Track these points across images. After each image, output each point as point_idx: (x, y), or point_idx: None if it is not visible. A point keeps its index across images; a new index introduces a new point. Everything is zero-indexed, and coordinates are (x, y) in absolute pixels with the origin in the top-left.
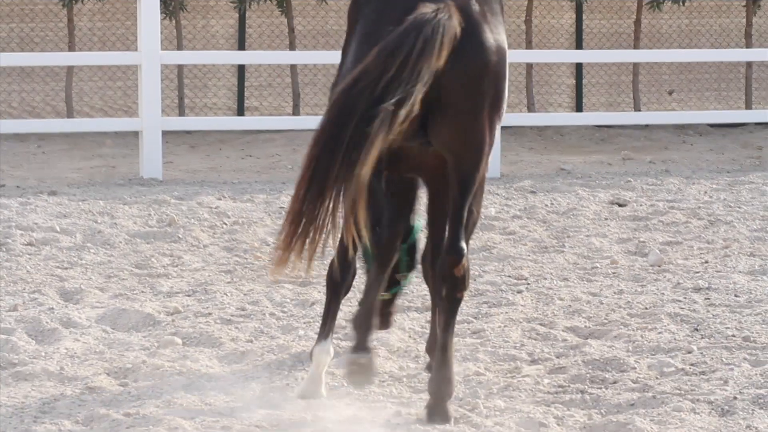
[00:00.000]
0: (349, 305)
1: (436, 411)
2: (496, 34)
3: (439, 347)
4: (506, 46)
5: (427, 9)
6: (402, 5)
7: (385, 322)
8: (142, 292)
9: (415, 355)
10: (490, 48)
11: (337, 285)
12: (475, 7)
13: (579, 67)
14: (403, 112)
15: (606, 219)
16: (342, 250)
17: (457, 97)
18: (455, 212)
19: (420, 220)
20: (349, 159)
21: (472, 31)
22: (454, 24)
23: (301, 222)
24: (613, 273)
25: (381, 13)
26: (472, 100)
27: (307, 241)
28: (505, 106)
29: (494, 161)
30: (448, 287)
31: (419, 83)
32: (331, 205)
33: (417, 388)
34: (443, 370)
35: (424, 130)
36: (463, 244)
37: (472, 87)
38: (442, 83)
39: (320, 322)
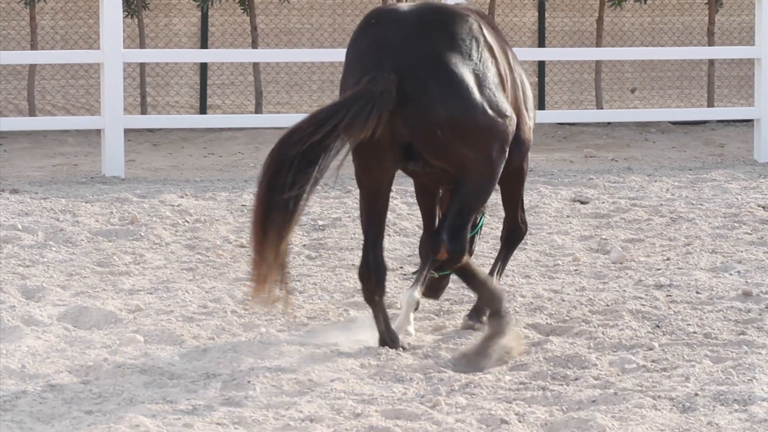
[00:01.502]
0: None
1: (495, 317)
2: (451, 88)
3: (472, 289)
4: (476, 93)
5: (366, 85)
6: (371, 61)
7: (436, 295)
8: (104, 290)
9: (377, 352)
10: (435, 105)
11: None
12: (425, 70)
13: (541, 65)
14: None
15: (568, 216)
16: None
17: (425, 141)
18: (448, 212)
19: (485, 216)
20: (285, 205)
21: (417, 92)
22: (386, 100)
23: (263, 259)
24: (575, 270)
25: (354, 62)
26: (438, 143)
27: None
28: (493, 135)
29: None
30: (443, 265)
31: (338, 149)
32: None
33: (378, 384)
34: (484, 292)
35: (410, 160)
36: (444, 236)
37: (431, 136)
38: (405, 134)
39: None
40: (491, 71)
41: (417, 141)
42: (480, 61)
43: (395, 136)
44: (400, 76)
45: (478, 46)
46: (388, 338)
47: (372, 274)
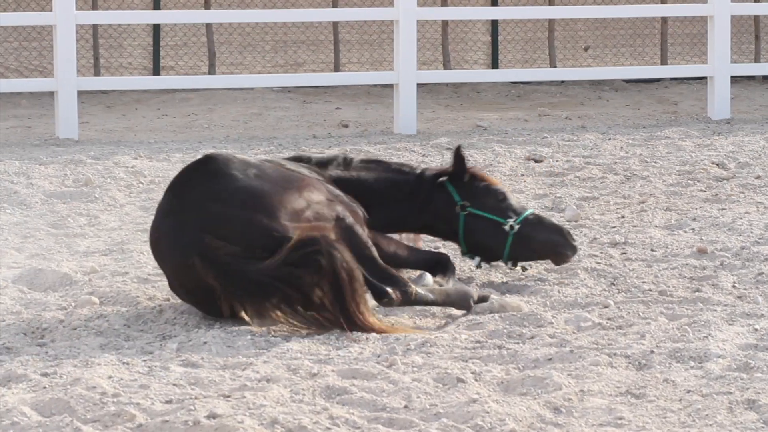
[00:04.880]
0: None
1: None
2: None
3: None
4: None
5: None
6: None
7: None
8: (59, 252)
9: None
10: None
11: None
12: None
13: (495, 23)
14: None
15: (522, 175)
16: None
17: None
18: None
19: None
20: None
21: None
22: None
23: None
24: None
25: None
26: None
27: None
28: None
29: (410, 118)
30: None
31: None
32: None
33: (336, 345)
34: (446, 298)
35: None
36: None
37: None
38: None
39: None
40: None
41: None
42: None
43: None
44: None
45: None
46: None
47: None
